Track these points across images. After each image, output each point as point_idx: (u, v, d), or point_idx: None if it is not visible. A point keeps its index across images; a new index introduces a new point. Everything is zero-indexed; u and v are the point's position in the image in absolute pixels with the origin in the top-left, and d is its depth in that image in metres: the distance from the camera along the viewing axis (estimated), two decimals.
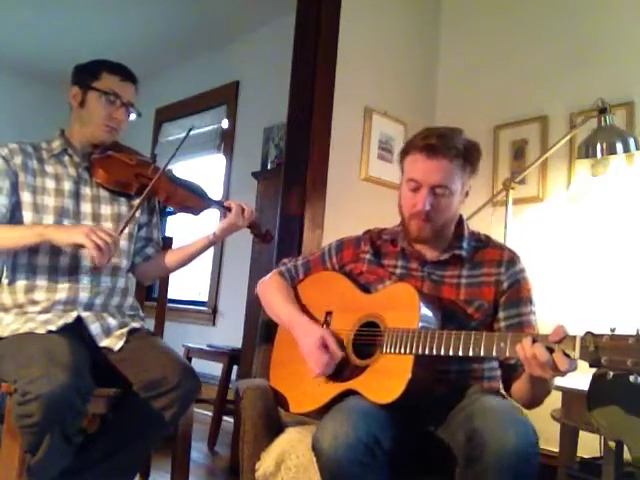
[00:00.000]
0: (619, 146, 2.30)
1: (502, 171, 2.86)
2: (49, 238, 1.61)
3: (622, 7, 2.62)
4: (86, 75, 1.83)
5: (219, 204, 1.92)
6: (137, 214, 1.86)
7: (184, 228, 4.76)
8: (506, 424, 1.23)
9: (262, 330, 1.80)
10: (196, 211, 1.91)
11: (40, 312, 1.69)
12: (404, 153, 1.59)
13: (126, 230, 1.79)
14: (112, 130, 1.84)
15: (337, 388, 1.47)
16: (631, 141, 2.32)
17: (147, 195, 1.79)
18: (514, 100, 2.92)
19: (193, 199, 1.90)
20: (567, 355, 1.18)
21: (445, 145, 1.49)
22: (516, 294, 1.53)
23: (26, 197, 1.73)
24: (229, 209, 1.86)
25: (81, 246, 1.58)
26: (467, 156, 1.52)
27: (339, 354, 1.48)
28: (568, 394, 2.01)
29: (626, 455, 1.74)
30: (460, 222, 1.62)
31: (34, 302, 1.70)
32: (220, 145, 4.62)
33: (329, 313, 1.62)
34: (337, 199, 2.71)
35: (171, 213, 4.93)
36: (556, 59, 2.79)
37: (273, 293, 1.70)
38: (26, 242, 1.64)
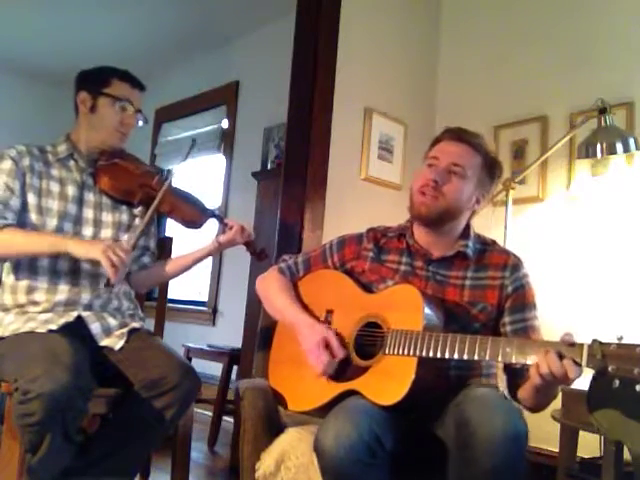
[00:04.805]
0: (619, 146, 2.30)
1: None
2: (69, 250, 1.64)
3: (622, 7, 2.62)
4: (95, 81, 1.84)
5: (220, 221, 1.95)
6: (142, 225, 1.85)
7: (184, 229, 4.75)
8: (493, 410, 1.25)
9: (261, 335, 1.79)
10: (197, 225, 1.93)
11: (41, 312, 1.69)
12: (435, 141, 1.64)
13: (132, 240, 1.79)
14: (123, 136, 1.87)
15: (338, 388, 1.46)
16: (631, 141, 2.31)
17: (156, 207, 1.79)
18: (514, 100, 2.92)
19: (195, 213, 1.92)
20: (575, 362, 1.19)
21: (473, 137, 1.60)
22: (522, 299, 1.54)
23: (31, 199, 1.74)
24: (230, 228, 1.89)
25: (97, 261, 1.62)
26: (488, 160, 1.61)
27: (341, 354, 1.48)
28: (568, 394, 2.01)
29: (626, 455, 1.74)
30: (467, 225, 1.64)
31: (35, 303, 1.70)
32: (220, 145, 4.61)
33: (330, 312, 1.61)
34: (337, 199, 2.71)
35: None
36: (556, 59, 2.79)
37: (274, 290, 1.69)
38: (45, 251, 1.67)
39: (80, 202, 1.82)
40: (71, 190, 1.81)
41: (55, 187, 1.79)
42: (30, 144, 1.81)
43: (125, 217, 1.90)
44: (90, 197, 1.85)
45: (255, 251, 1.96)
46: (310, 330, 1.54)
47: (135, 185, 1.86)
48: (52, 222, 1.74)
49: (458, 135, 1.60)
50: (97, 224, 1.83)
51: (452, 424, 1.29)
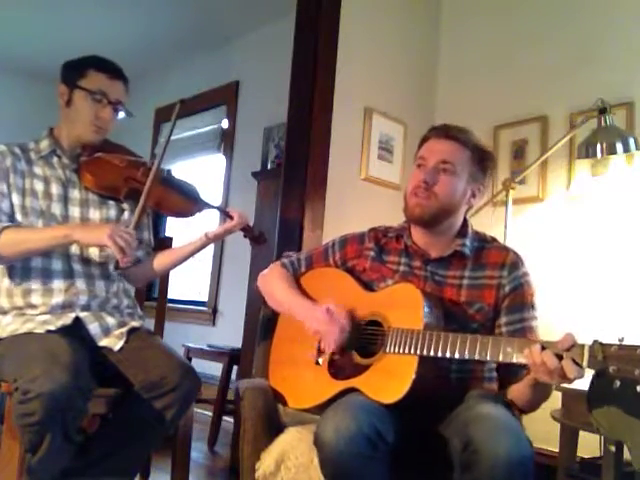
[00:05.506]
0: (619, 146, 2.30)
1: (502, 171, 2.86)
2: (75, 239, 1.63)
3: (622, 7, 2.62)
4: (73, 73, 1.79)
5: (219, 209, 1.91)
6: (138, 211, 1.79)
7: (184, 228, 4.74)
8: (499, 433, 1.23)
9: (263, 326, 1.79)
10: (188, 215, 1.88)
11: (38, 314, 1.68)
12: (423, 141, 1.63)
13: (133, 222, 1.74)
14: (99, 130, 1.80)
15: (338, 386, 1.47)
16: (631, 141, 2.32)
17: (144, 202, 1.73)
18: (514, 100, 2.92)
19: (185, 203, 1.86)
20: (576, 363, 1.18)
21: (460, 132, 1.57)
22: (520, 299, 1.53)
23: (15, 199, 1.70)
24: (231, 217, 1.84)
25: (105, 246, 1.61)
26: (477, 153, 1.58)
27: (343, 318, 1.48)
28: (568, 394, 2.01)
29: (626, 455, 1.74)
30: (464, 223, 1.62)
31: (32, 306, 1.69)
32: (220, 145, 4.61)
33: None
34: (337, 199, 2.71)
35: None
36: (556, 59, 2.79)
37: (275, 282, 1.70)
38: (53, 244, 1.65)
39: (65, 200, 1.78)
40: (55, 188, 1.77)
41: (39, 186, 1.74)
42: (10, 143, 1.76)
43: (113, 212, 1.86)
44: (75, 194, 1.80)
45: (253, 235, 1.91)
46: (310, 309, 1.55)
47: (119, 180, 1.80)
48: (38, 222, 1.71)
49: (444, 132, 1.58)
50: (84, 222, 1.79)
51: (458, 443, 1.27)
